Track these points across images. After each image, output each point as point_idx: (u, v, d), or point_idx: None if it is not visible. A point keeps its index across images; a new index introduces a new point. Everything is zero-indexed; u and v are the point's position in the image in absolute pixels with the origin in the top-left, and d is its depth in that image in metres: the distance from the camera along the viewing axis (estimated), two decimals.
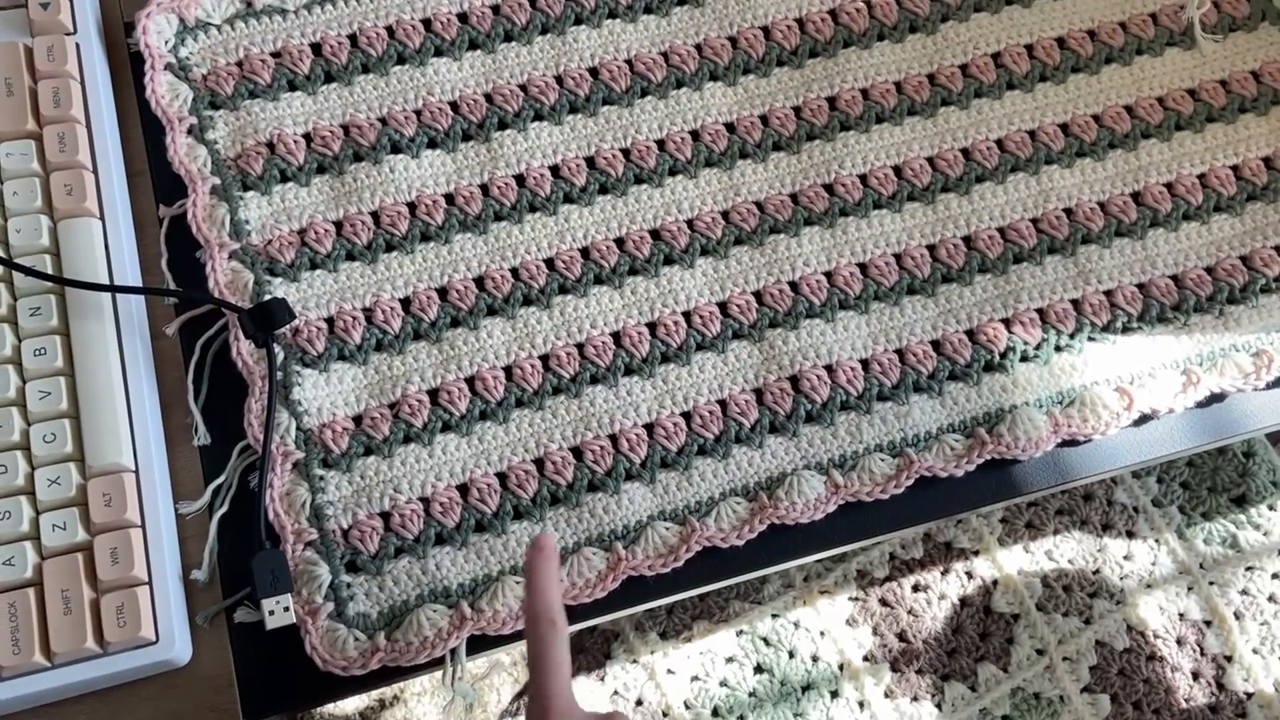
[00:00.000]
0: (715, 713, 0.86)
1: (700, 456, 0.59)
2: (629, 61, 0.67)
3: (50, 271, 0.57)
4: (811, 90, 0.67)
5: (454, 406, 0.59)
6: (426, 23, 0.67)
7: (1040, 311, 0.63)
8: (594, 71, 0.67)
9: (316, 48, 0.65)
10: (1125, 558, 0.90)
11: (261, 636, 0.54)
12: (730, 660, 0.87)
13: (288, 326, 0.59)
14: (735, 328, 0.62)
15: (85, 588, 0.52)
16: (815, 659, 0.86)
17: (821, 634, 0.86)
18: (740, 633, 0.85)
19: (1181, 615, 0.89)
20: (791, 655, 0.86)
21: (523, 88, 0.66)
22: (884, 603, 0.87)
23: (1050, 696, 0.85)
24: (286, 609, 0.53)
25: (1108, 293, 0.64)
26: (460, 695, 0.54)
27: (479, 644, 0.56)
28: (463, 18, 0.67)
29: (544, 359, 0.60)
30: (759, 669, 0.86)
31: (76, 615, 0.51)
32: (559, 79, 0.66)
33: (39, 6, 0.62)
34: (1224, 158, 0.67)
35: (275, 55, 0.65)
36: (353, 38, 0.66)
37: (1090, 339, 0.63)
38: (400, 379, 0.59)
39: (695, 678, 0.87)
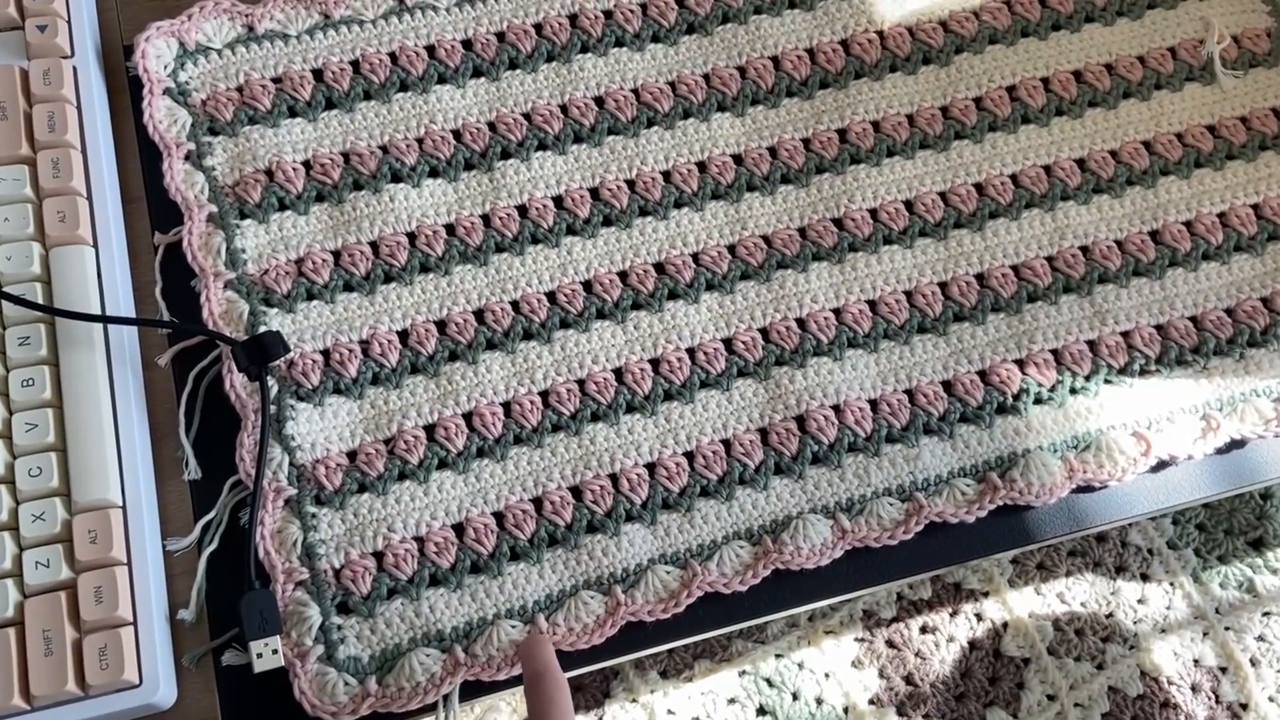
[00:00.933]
0: None
1: (703, 498, 0.58)
2: (635, 91, 0.66)
3: (41, 300, 0.56)
4: (821, 122, 0.66)
5: (451, 443, 0.57)
6: (430, 49, 0.65)
7: (1055, 352, 0.61)
8: (600, 101, 0.66)
9: (318, 74, 0.64)
10: (1139, 601, 0.88)
11: (249, 679, 0.53)
12: (732, 701, 0.85)
13: (282, 359, 0.57)
14: (740, 365, 0.60)
15: (68, 628, 0.50)
16: (820, 701, 0.84)
17: (826, 675, 0.84)
18: (743, 673, 0.84)
19: (1196, 661, 0.86)
20: (795, 697, 0.84)
21: (527, 116, 0.65)
22: (891, 644, 0.85)
23: None
24: (275, 651, 0.52)
25: (1125, 334, 0.62)
26: None
27: (472, 689, 0.54)
28: (467, 45, 0.66)
29: (544, 395, 0.59)
30: (761, 711, 0.85)
31: (58, 656, 0.50)
32: (564, 108, 0.65)
33: (36, 29, 0.61)
34: (1245, 196, 0.66)
35: (276, 81, 0.64)
36: (355, 64, 0.65)
37: (1107, 381, 0.61)
38: (396, 414, 0.58)
39: (696, 719, 0.85)
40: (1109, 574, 0.88)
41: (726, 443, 0.59)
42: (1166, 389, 0.61)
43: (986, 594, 0.87)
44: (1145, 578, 0.89)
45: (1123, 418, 0.60)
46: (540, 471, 0.57)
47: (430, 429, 0.58)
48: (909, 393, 0.60)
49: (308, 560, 0.55)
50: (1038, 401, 0.60)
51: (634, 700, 0.84)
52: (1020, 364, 0.61)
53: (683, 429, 0.59)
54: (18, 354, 0.55)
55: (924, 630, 0.86)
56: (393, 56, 0.65)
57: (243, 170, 0.62)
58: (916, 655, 0.86)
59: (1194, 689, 0.86)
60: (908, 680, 0.85)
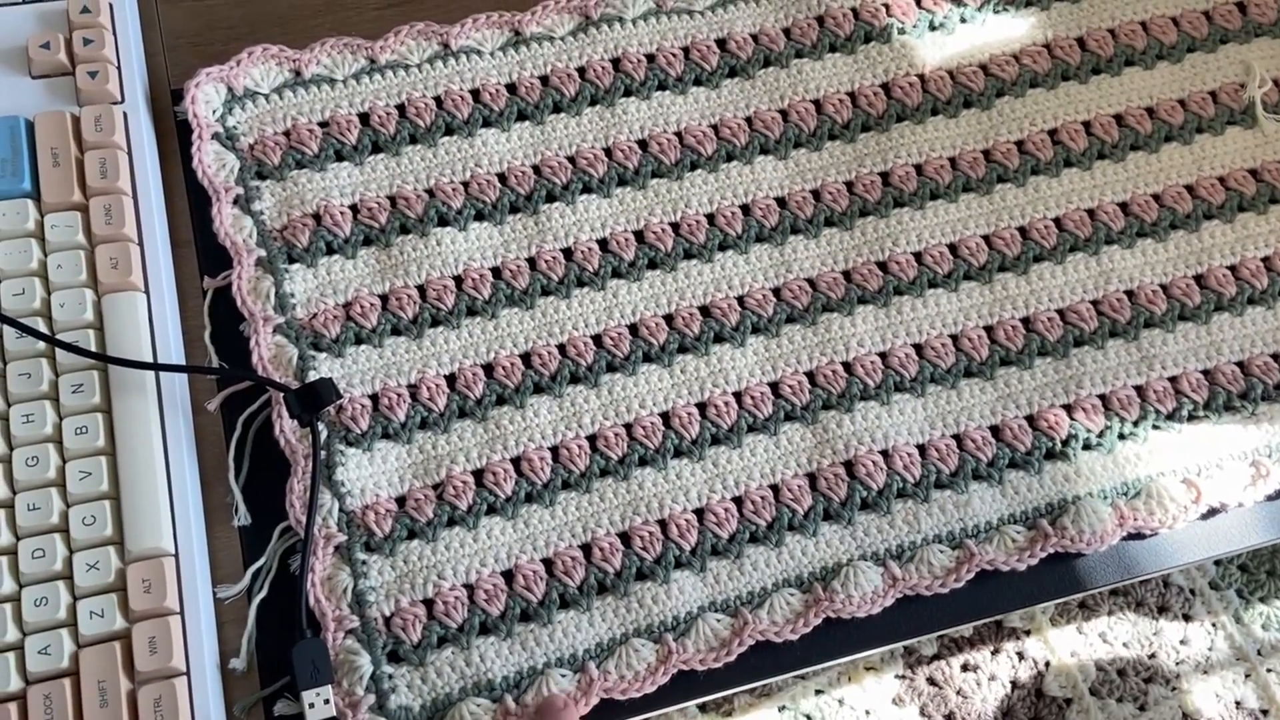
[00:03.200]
0: None
1: (752, 544, 0.58)
2: (679, 134, 0.66)
3: (94, 347, 0.56)
4: (864, 165, 0.66)
5: (499, 488, 0.57)
6: (475, 93, 0.66)
7: (1103, 398, 0.61)
8: (643, 144, 0.66)
9: (364, 118, 0.65)
10: (1181, 642, 0.87)
11: None
12: None
13: (333, 404, 0.57)
14: (787, 409, 0.60)
15: (123, 678, 0.50)
16: None
17: (867, 713, 0.83)
18: (783, 708, 0.83)
19: (1238, 703, 0.86)
20: None
21: (571, 159, 0.65)
22: (932, 682, 0.84)
23: None
24: (327, 701, 0.52)
25: (1172, 379, 0.62)
26: None
27: None
28: (511, 89, 0.66)
29: (591, 439, 0.59)
30: None
31: (113, 708, 0.49)
32: (608, 151, 0.65)
33: (87, 75, 0.61)
34: None
35: (323, 125, 0.64)
36: (401, 108, 0.65)
37: (1155, 427, 0.61)
38: (445, 459, 0.58)
39: None
40: (1151, 614, 0.88)
41: (775, 488, 0.59)
42: (1215, 435, 0.61)
43: (1029, 632, 0.87)
44: (1188, 618, 0.88)
45: (1172, 464, 0.60)
46: (589, 517, 0.57)
47: (479, 474, 0.58)
48: (957, 438, 0.60)
49: (358, 608, 0.54)
50: (1086, 447, 0.60)
51: None
52: (1068, 409, 0.61)
53: (731, 474, 0.59)
54: (72, 401, 0.55)
55: (965, 668, 0.85)
56: (438, 101, 0.65)
57: (290, 214, 0.62)
58: (958, 694, 0.85)
59: None
60: (949, 719, 0.85)
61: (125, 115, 0.62)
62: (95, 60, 0.62)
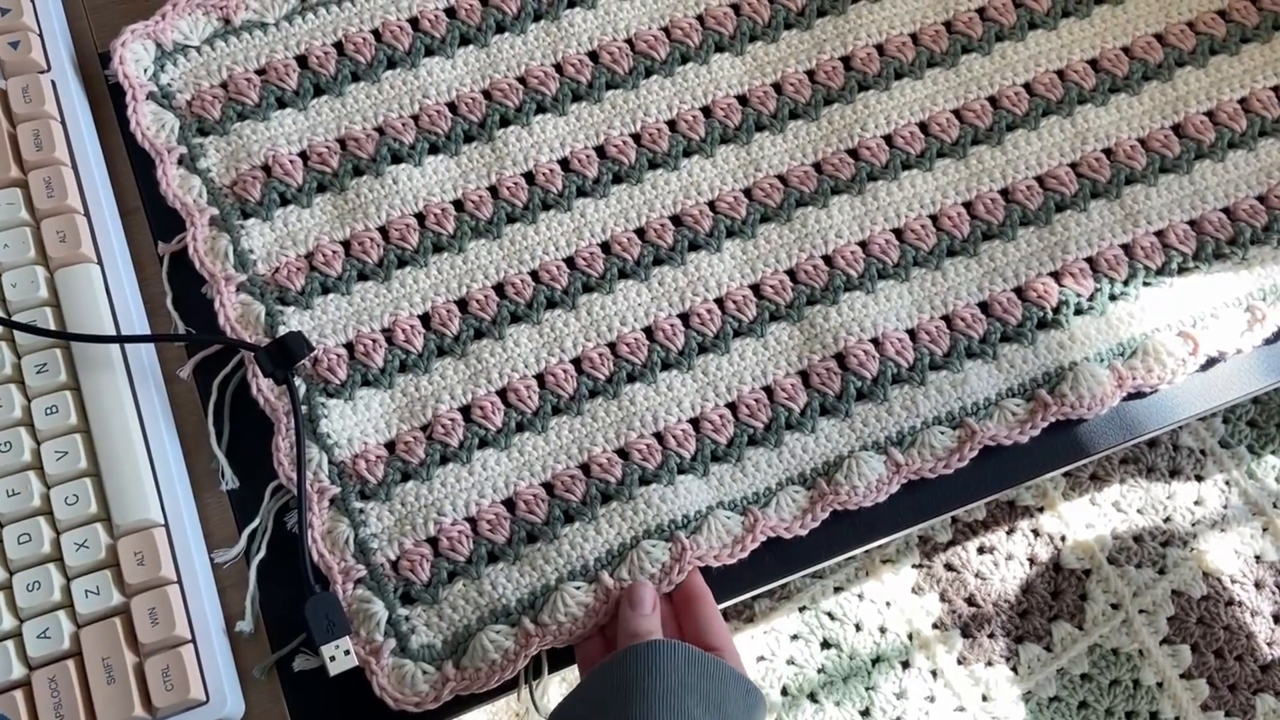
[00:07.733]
0: (784, 692, 0.84)
1: (751, 447, 0.57)
2: (629, 41, 0.64)
3: (52, 324, 0.54)
4: (824, 51, 0.64)
5: (489, 421, 0.56)
6: (414, 22, 0.63)
7: (1090, 260, 0.60)
8: (594, 55, 0.63)
9: (302, 60, 0.62)
10: (1196, 503, 0.87)
11: (315, 683, 0.52)
12: (795, 638, 0.84)
13: (307, 357, 0.56)
14: (772, 309, 0.59)
15: (127, 653, 0.49)
16: (883, 630, 0.84)
17: (888, 604, 0.83)
18: (803, 609, 0.83)
19: (1258, 557, 0.86)
20: (858, 628, 0.83)
21: (521, 80, 0.63)
22: (949, 567, 0.84)
23: (1129, 651, 0.83)
24: (347, 652, 0.51)
25: (1159, 233, 0.61)
26: (544, 714, 0.52)
27: (554, 657, 0.53)
28: (450, 13, 0.64)
29: (576, 362, 0.58)
30: (826, 644, 0.84)
31: (121, 683, 0.49)
32: (558, 67, 0.63)
33: (8, 46, 0.59)
34: (1264, 79, 0.64)
35: (260, 72, 0.62)
36: (339, 46, 0.62)
37: (1146, 284, 0.60)
38: (429, 399, 0.56)
39: (761, 658, 0.84)
40: (1163, 478, 0.87)
41: (768, 389, 0.57)
42: (1207, 284, 0.60)
43: (1042, 509, 0.86)
44: (1200, 479, 0.88)
45: (1166, 319, 0.59)
46: (584, 438, 0.56)
47: (466, 410, 0.56)
48: (946, 318, 0.59)
49: (362, 556, 0.53)
50: (1078, 312, 0.59)
51: None
52: (1056, 276, 0.60)
53: (722, 380, 0.57)
54: (37, 382, 0.53)
55: (982, 551, 0.85)
56: (376, 34, 0.63)
57: (239, 168, 0.60)
58: (976, 576, 0.85)
59: (1257, 585, 0.86)
60: (970, 601, 0.85)
61: (54, 83, 0.59)
62: (15, 29, 0.59)
